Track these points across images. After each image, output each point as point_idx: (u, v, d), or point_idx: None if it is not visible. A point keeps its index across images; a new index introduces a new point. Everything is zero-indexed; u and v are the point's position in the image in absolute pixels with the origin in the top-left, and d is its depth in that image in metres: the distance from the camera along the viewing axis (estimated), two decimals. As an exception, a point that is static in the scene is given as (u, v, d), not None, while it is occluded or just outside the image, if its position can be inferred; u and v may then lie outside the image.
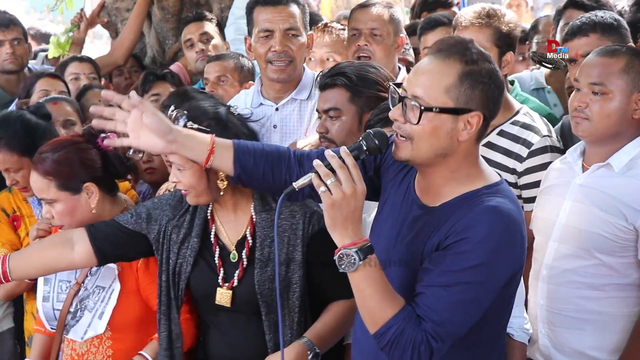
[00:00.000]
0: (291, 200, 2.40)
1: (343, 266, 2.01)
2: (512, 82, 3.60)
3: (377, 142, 2.08)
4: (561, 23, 3.93)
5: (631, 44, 3.20)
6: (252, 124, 2.72)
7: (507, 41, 3.12)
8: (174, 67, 4.81)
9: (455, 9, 5.16)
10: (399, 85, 2.13)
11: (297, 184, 2.06)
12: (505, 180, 2.23)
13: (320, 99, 2.98)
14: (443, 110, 2.03)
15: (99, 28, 6.07)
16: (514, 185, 3.03)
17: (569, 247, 2.69)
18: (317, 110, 3.02)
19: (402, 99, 2.07)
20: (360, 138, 2.09)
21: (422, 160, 2.09)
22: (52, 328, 2.94)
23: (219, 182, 2.59)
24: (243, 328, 2.69)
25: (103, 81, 5.07)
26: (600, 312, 2.67)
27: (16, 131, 3.29)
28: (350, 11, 3.83)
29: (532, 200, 2.93)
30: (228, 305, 2.66)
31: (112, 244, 2.70)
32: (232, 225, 2.71)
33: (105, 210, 2.86)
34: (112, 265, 2.82)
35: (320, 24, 4.22)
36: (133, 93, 2.23)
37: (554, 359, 2.75)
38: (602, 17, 3.18)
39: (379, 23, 3.64)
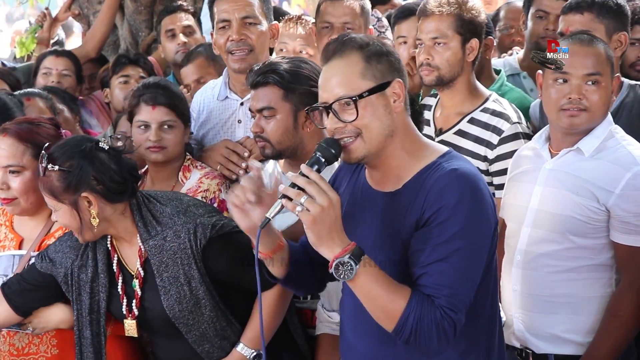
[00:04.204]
0: None
1: (342, 275, 2.01)
2: (498, 72, 3.57)
3: (333, 151, 2.11)
4: (532, 10, 3.92)
5: (625, 31, 3.23)
6: (127, 155, 2.67)
7: (470, 28, 3.09)
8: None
9: None
10: (315, 107, 2.18)
11: (270, 214, 2.06)
12: (477, 167, 2.24)
13: (253, 97, 2.91)
14: (371, 92, 2.11)
15: (70, 20, 6.01)
16: (485, 172, 3.03)
17: (543, 231, 2.72)
18: (250, 110, 2.98)
19: (328, 109, 2.13)
20: (315, 151, 2.12)
21: (377, 148, 2.13)
22: None
23: (91, 219, 2.58)
24: (175, 344, 2.72)
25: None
26: (573, 294, 2.71)
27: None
28: (318, 3, 3.79)
29: (503, 187, 2.94)
30: (135, 335, 2.69)
31: (28, 299, 2.74)
32: (130, 254, 2.70)
33: None
34: None
35: (293, 16, 4.21)
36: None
37: (529, 343, 2.78)
38: None
39: (352, 17, 3.62)
